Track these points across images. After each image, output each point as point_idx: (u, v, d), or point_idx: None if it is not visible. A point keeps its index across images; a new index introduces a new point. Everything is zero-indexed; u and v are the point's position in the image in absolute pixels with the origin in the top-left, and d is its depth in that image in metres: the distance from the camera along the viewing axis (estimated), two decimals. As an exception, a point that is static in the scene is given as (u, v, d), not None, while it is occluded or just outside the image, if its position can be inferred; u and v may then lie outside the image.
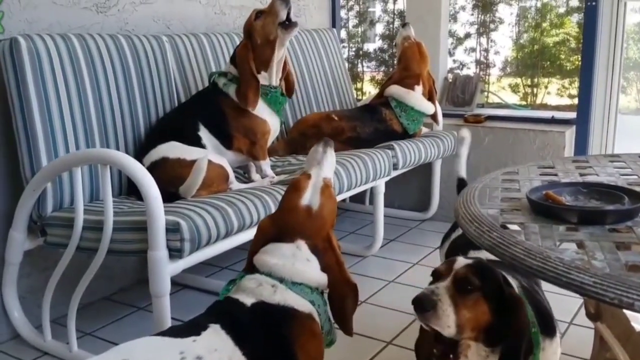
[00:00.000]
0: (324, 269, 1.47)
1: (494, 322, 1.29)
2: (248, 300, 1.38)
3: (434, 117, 3.31)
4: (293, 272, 1.42)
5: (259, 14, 2.40)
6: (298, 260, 1.44)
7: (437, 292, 1.28)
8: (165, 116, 2.52)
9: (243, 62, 2.38)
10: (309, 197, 1.50)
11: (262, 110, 2.43)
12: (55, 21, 2.37)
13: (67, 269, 2.08)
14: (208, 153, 2.26)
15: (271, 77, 2.44)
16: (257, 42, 2.38)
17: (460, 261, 1.34)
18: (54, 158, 2.12)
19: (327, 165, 1.56)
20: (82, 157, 2.09)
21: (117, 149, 2.35)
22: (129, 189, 2.36)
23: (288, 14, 2.37)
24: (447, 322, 1.26)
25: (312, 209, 1.49)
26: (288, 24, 2.38)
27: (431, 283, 1.36)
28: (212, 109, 2.42)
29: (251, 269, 1.48)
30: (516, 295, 1.33)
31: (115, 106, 2.36)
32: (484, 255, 1.63)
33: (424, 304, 1.26)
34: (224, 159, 2.34)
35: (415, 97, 3.18)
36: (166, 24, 2.86)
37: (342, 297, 1.50)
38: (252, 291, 1.40)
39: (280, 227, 1.49)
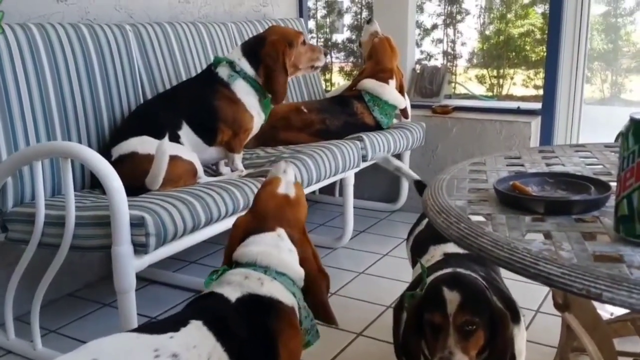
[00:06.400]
0: (301, 261, 1.48)
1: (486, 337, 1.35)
2: (233, 295, 1.35)
3: (403, 111, 3.32)
4: (279, 260, 1.42)
5: (304, 43, 2.54)
6: (282, 250, 1.45)
7: (453, 351, 1.30)
8: (145, 106, 2.45)
9: (279, 57, 2.43)
10: (285, 187, 1.55)
11: (254, 108, 2.46)
12: (14, 10, 2.30)
13: (29, 265, 2.03)
14: (178, 148, 2.23)
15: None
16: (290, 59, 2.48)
17: (449, 298, 1.33)
18: (13, 151, 2.07)
19: (290, 175, 1.61)
20: (42, 150, 2.04)
21: (79, 141, 2.30)
22: (92, 183, 2.31)
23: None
24: None
25: (290, 197, 1.54)
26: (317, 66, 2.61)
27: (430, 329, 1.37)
28: (201, 102, 2.38)
29: (231, 265, 1.46)
30: (502, 310, 1.36)
31: (77, 98, 2.31)
32: (443, 249, 1.65)
33: None
34: (195, 155, 2.30)
35: (390, 91, 3.18)
36: (129, 13, 2.79)
37: (319, 288, 1.51)
38: (238, 284, 1.37)
39: (259, 217, 1.50)
